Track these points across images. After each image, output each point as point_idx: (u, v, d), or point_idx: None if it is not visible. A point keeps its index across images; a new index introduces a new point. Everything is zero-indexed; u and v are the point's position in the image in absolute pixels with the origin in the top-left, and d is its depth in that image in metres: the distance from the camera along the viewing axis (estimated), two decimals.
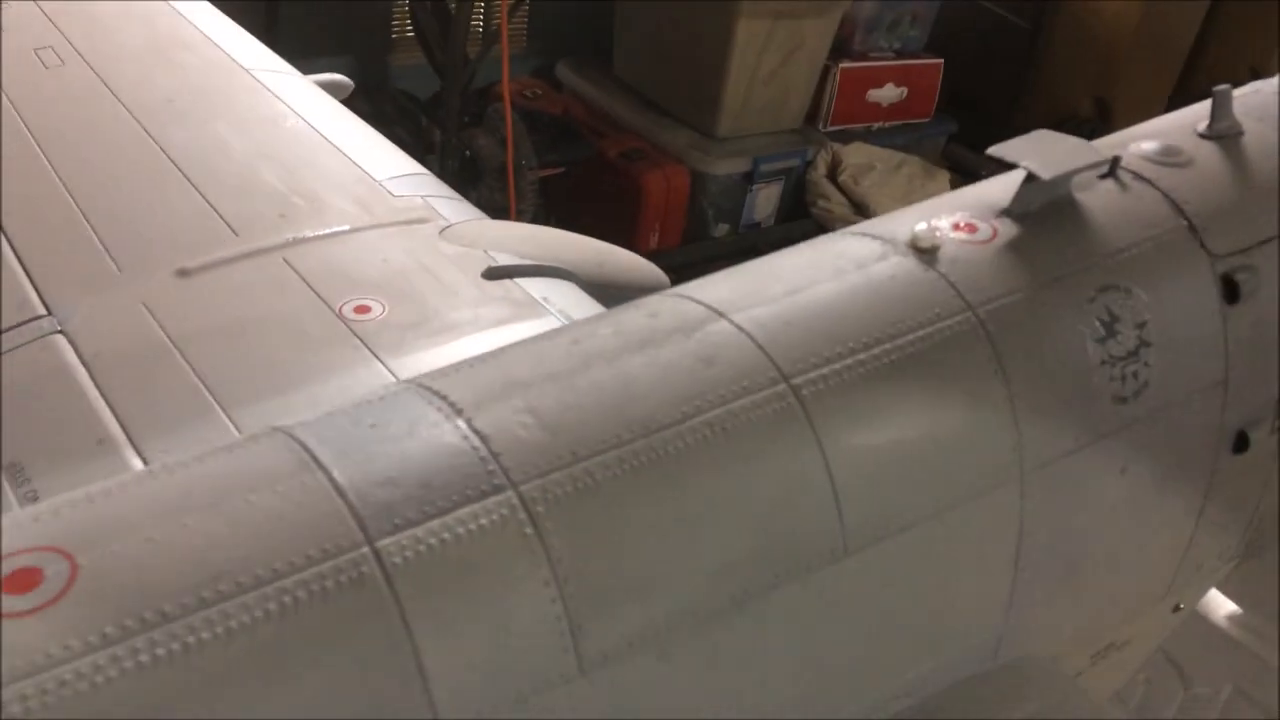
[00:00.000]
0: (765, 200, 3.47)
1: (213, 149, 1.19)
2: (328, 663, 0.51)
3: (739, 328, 0.66)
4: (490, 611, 0.54)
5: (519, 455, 0.57)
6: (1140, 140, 0.86)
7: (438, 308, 1.01)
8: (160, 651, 0.48)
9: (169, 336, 0.96)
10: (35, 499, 0.83)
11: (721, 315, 0.67)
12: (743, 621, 0.61)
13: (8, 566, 0.50)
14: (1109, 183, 0.81)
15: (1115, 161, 0.81)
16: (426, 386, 0.62)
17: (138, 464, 0.86)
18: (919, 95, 3.52)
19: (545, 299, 1.06)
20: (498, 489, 0.56)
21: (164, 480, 0.56)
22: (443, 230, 1.13)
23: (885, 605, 0.67)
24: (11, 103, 1.23)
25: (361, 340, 0.97)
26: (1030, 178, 0.76)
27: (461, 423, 0.59)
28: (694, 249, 3.28)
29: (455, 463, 0.57)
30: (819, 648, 0.64)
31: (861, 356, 0.66)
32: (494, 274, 1.07)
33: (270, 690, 0.49)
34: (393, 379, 0.93)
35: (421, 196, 1.19)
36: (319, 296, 1.01)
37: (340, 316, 0.99)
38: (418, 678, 0.52)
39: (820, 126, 3.50)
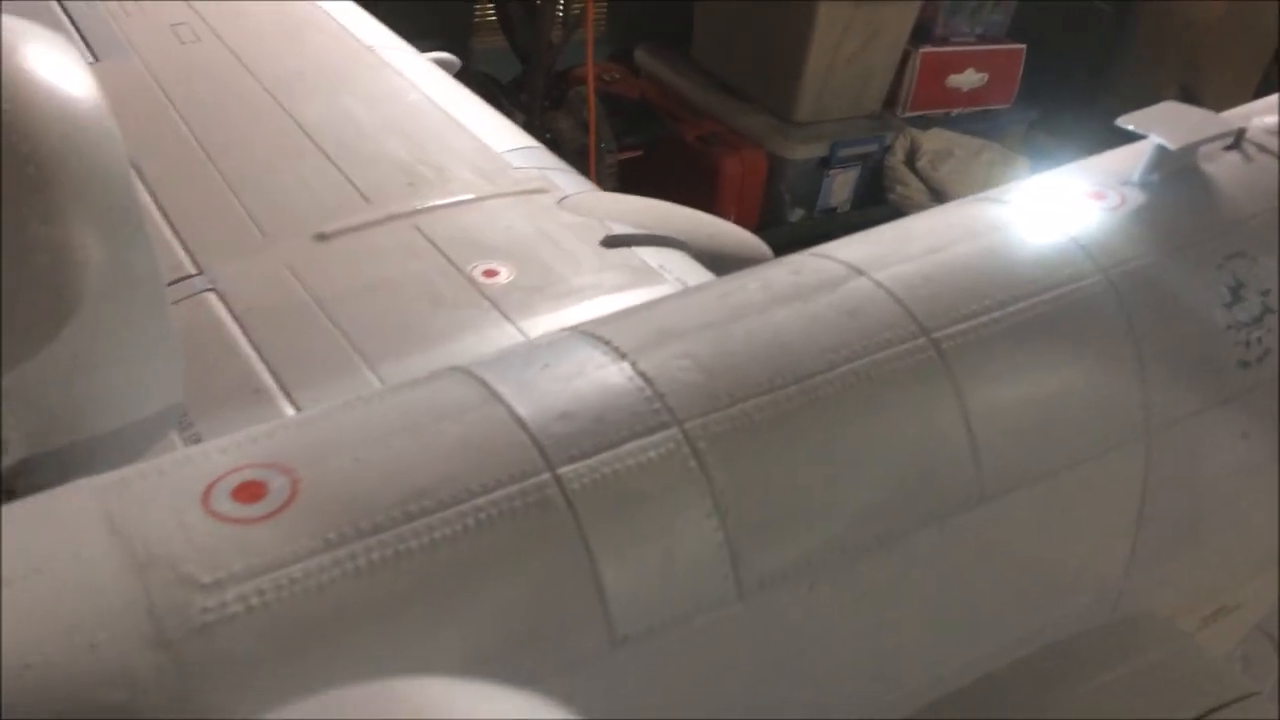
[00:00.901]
0: (841, 185, 3.48)
1: (342, 121, 1.25)
2: (518, 575, 0.55)
3: (879, 284, 0.69)
4: (659, 537, 0.58)
5: (681, 396, 0.62)
6: (1262, 115, 0.88)
7: (561, 273, 1.06)
8: (375, 557, 0.53)
9: (312, 296, 1.02)
10: (198, 440, 0.90)
11: (861, 273, 0.70)
12: (885, 559, 0.64)
13: (235, 479, 0.55)
14: (1233, 154, 0.83)
15: (1240, 133, 0.83)
16: (590, 333, 0.66)
17: (291, 411, 0.92)
18: (1000, 81, 3.49)
19: (662, 267, 1.10)
20: (664, 425, 0.60)
21: (363, 409, 0.61)
22: (560, 200, 1.18)
23: (1015, 553, 0.70)
24: (154, 76, 1.30)
25: (492, 302, 1.02)
26: (1158, 148, 0.78)
27: (626, 365, 0.63)
28: (769, 234, 3.29)
29: (623, 401, 0.61)
30: (953, 590, 0.68)
31: (997, 314, 0.69)
32: (612, 242, 1.11)
33: (469, 597, 0.54)
34: (523, 338, 0.98)
35: (538, 169, 1.24)
36: (449, 260, 1.06)
37: (470, 279, 1.04)
38: (596, 593, 0.56)
39: (899, 112, 3.50)
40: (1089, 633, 0.76)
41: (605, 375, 0.62)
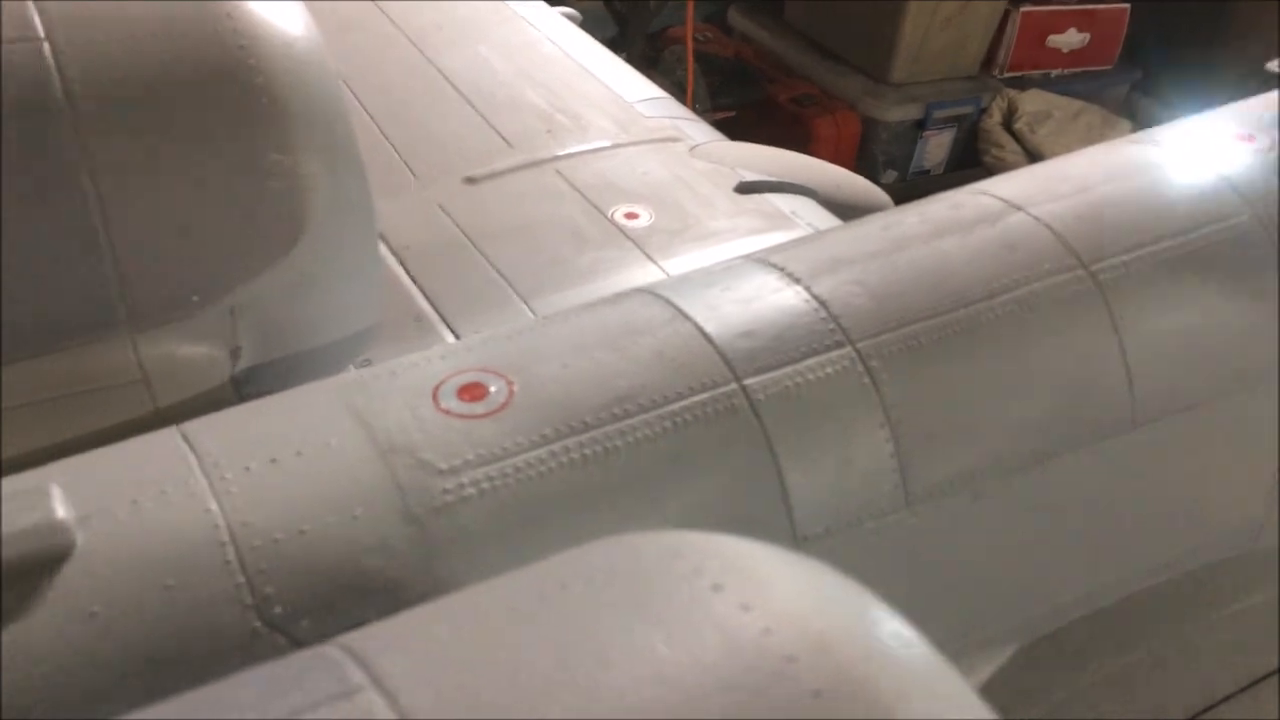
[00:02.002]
0: (936, 148, 3.45)
1: (481, 70, 1.31)
2: (711, 475, 0.61)
3: (1036, 219, 0.72)
4: (836, 446, 0.63)
5: (853, 318, 0.66)
6: None
7: (698, 216, 1.10)
8: (587, 452, 0.59)
9: (464, 234, 1.08)
10: (368, 364, 0.97)
11: (1019, 208, 0.73)
12: (1041, 477, 0.68)
13: (459, 381, 0.61)
14: None
15: None
16: (763, 261, 0.71)
17: (451, 338, 0.98)
18: (1102, 42, 3.42)
19: (793, 213, 1.14)
20: (838, 344, 0.65)
21: (563, 325, 0.66)
22: (692, 149, 1.22)
23: (1164, 478, 0.73)
24: None
25: (634, 242, 1.07)
26: None
27: (801, 289, 0.67)
28: None
29: (800, 321, 0.66)
30: (1104, 511, 0.71)
31: (1152, 249, 0.72)
32: (745, 188, 1.15)
33: (667, 492, 0.60)
34: (666, 276, 1.03)
35: (668, 118, 1.29)
36: (591, 203, 1.12)
37: (612, 221, 1.09)
38: (781, 495, 0.61)
39: (996, 73, 3.44)
40: (1230, 561, 0.79)
41: (782, 298, 0.67)
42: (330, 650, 0.35)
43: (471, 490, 0.56)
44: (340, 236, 0.71)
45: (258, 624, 0.52)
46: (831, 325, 0.65)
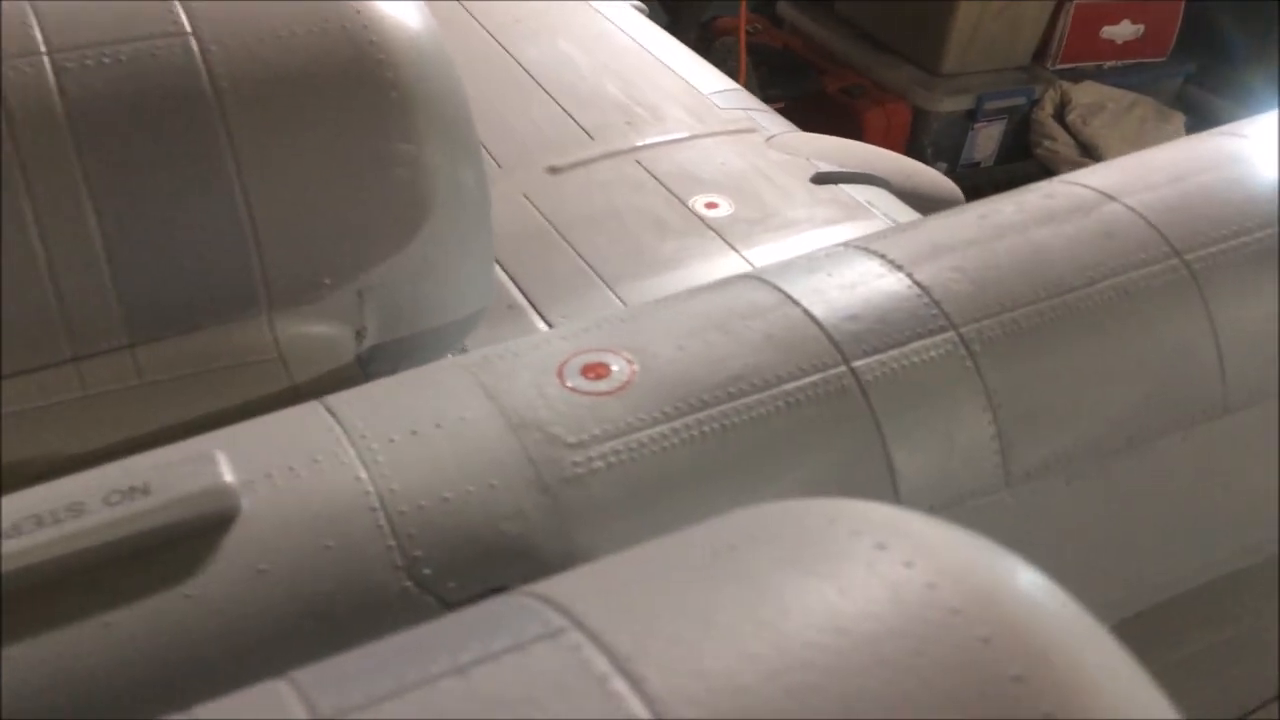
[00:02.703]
0: (986, 139, 3.44)
1: (560, 63, 1.34)
2: (823, 452, 0.64)
3: (1130, 208, 0.74)
4: (941, 426, 0.66)
5: (955, 303, 0.68)
6: None
7: (777, 206, 1.13)
8: (706, 429, 0.62)
9: (549, 222, 1.12)
10: (463, 351, 1.00)
11: (1113, 198, 0.75)
12: (1135, 461, 0.70)
13: (581, 360, 0.64)
14: None
15: None
16: (864, 248, 0.73)
17: (542, 326, 1.02)
18: (1157, 33, 3.39)
19: (870, 203, 1.16)
20: (941, 329, 0.67)
21: (673, 308, 0.69)
22: (768, 139, 1.25)
23: (1252, 463, 0.75)
24: None
25: (716, 232, 1.10)
26: None
27: (903, 275, 0.70)
28: None
29: (903, 306, 0.68)
30: (1194, 495, 0.73)
31: (1245, 239, 0.74)
32: (821, 179, 1.18)
33: (781, 468, 0.63)
34: (749, 266, 1.05)
35: (741, 109, 1.31)
36: (672, 193, 1.15)
37: (693, 211, 1.12)
38: (888, 472, 0.64)
39: (1049, 64, 3.43)
40: None
41: (885, 284, 0.70)
42: (523, 599, 0.38)
43: (599, 463, 0.60)
44: (459, 222, 0.74)
45: (408, 584, 0.55)
46: (934, 310, 0.68)
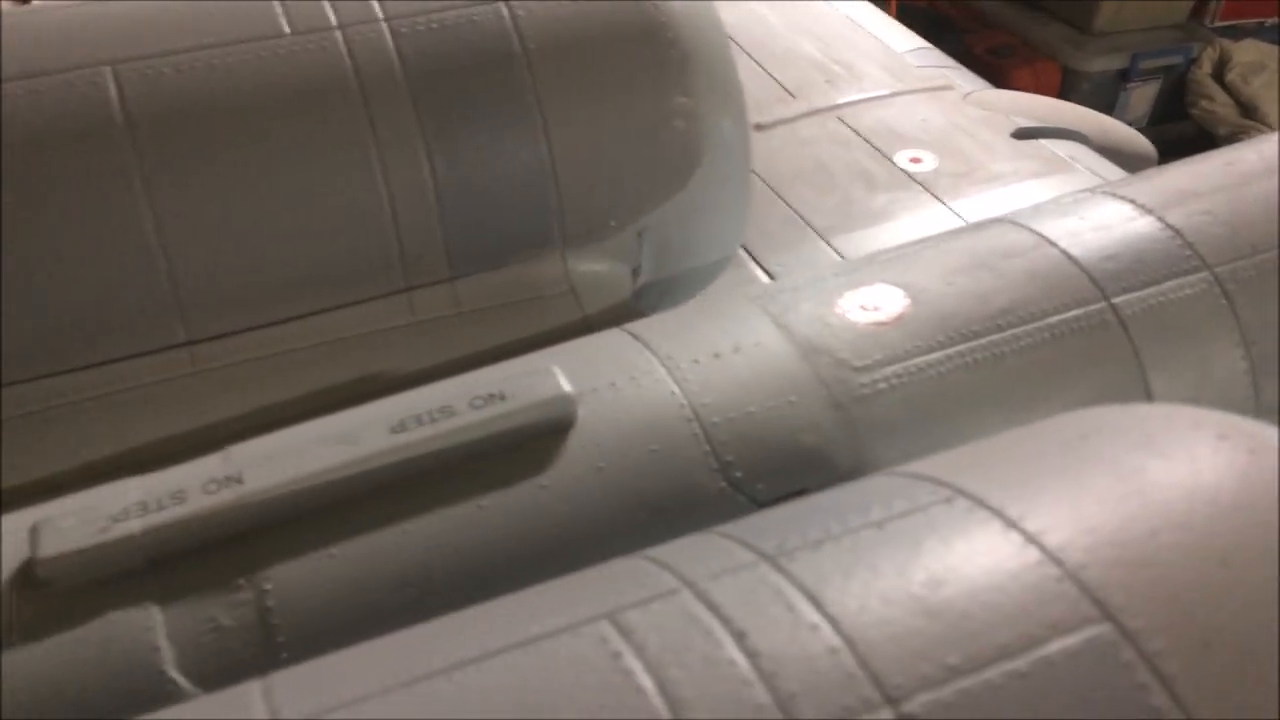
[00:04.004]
0: (1139, 100, 3.35)
1: (756, 24, 1.39)
2: (1084, 382, 0.69)
3: None
4: (1197, 361, 0.70)
5: (1208, 245, 0.72)
6: None
7: (981, 160, 1.17)
8: (978, 357, 0.67)
9: (760, 177, 1.18)
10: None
11: None
12: None
13: (859, 294, 0.71)
14: None
15: None
16: (1111, 193, 0.78)
17: (761, 275, 1.08)
18: None
19: (1071, 157, 1.18)
20: (1195, 269, 0.71)
21: (934, 249, 0.75)
22: (966, 96, 1.28)
23: None
24: None
25: (922, 185, 1.14)
26: None
27: (1153, 219, 0.74)
28: None
29: (1157, 247, 0.72)
30: None
31: None
32: (1022, 134, 1.21)
33: (1048, 395, 0.68)
34: (957, 218, 1.10)
35: (935, 67, 1.34)
36: (876, 148, 1.19)
37: (898, 165, 1.17)
38: (1146, 400, 0.69)
39: (1208, 21, 3.31)
40: None
41: (1137, 226, 0.74)
42: (902, 478, 0.45)
43: (884, 385, 0.66)
44: (726, 170, 0.81)
45: (723, 484, 0.63)
46: (1188, 251, 0.72)
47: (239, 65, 0.70)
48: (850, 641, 0.36)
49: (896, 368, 0.67)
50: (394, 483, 0.60)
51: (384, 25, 0.73)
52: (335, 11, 0.73)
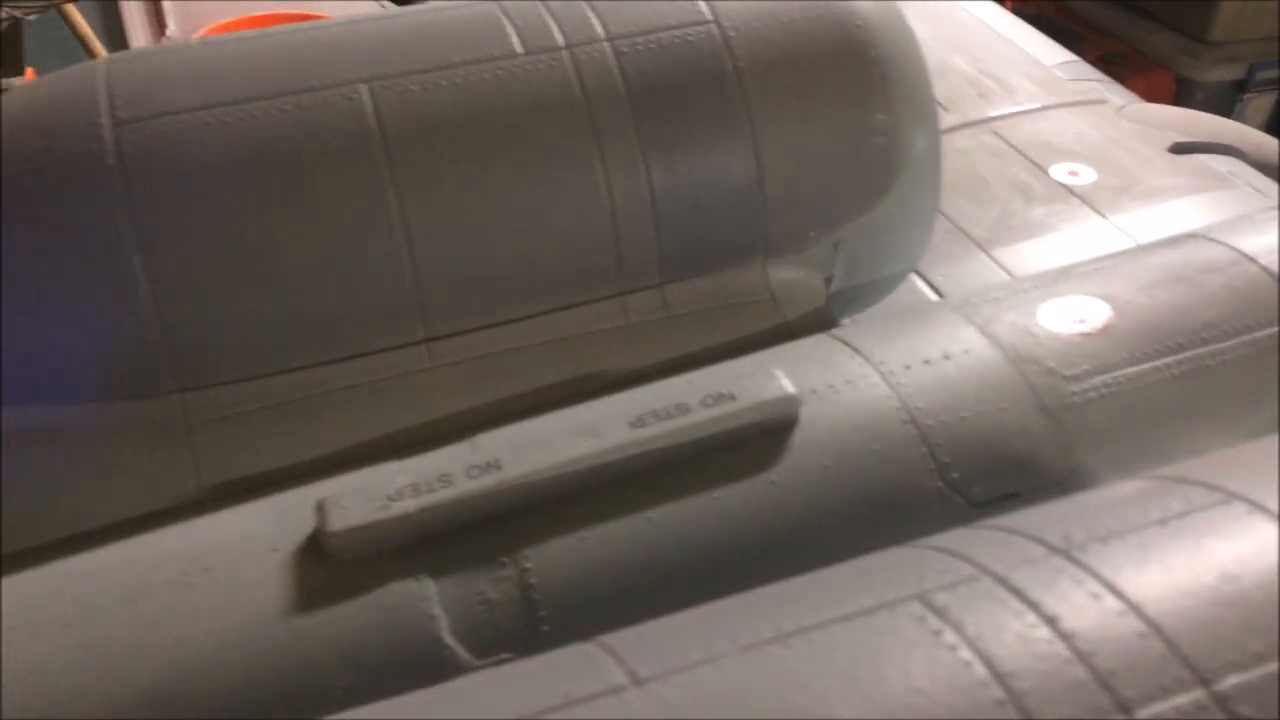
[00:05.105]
0: (1255, 111, 3.28)
1: None
2: None
3: None
4: None
5: None
6: None
7: (1140, 175, 1.18)
8: (1185, 369, 0.70)
9: None
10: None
11: None
12: None
13: (1062, 305, 0.73)
14: None
15: None
16: None
17: (924, 288, 1.10)
18: None
19: (1230, 173, 1.19)
20: None
21: (1130, 263, 0.78)
22: (1119, 110, 1.29)
23: None
24: None
25: (1081, 198, 1.16)
26: None
27: None
28: None
29: None
30: None
31: None
32: (1180, 149, 1.21)
33: (1251, 410, 0.70)
34: (1121, 233, 1.11)
35: (1085, 80, 1.36)
36: (1032, 161, 1.21)
37: (1055, 178, 1.19)
38: None
39: None
40: None
41: None
42: (1171, 479, 0.48)
43: (1093, 394, 0.69)
44: (919, 184, 0.84)
45: (940, 484, 0.66)
46: None
47: (478, 83, 0.76)
48: (1156, 626, 0.39)
49: (1105, 378, 0.69)
50: (635, 473, 0.65)
51: (607, 45, 0.78)
52: (562, 33, 0.78)
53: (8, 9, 1.66)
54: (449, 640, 0.60)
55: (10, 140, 0.71)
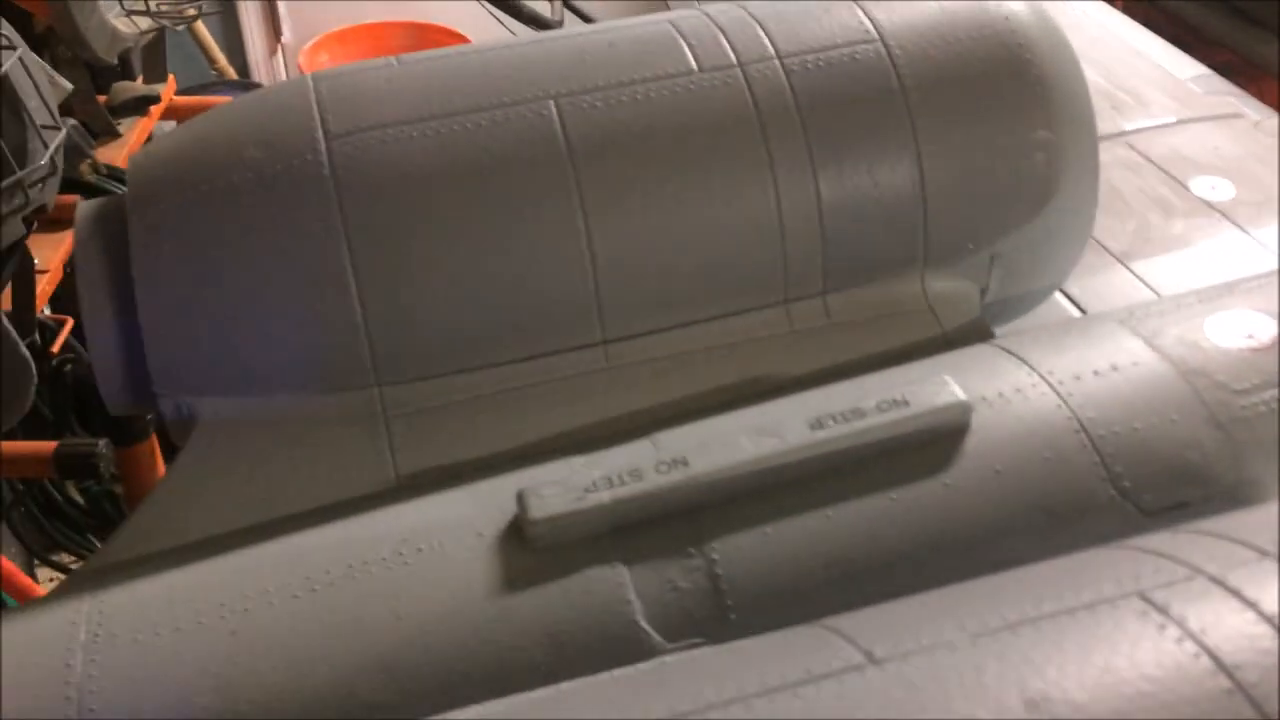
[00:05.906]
0: None
1: None
2: None
3: None
4: None
5: None
6: None
7: None
8: None
9: None
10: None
11: None
12: None
13: (1227, 319, 0.75)
14: None
15: None
16: None
17: (1062, 299, 1.11)
18: None
19: None
20: None
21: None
22: (1257, 123, 1.28)
23: None
24: None
25: (1222, 213, 1.16)
26: None
27: None
28: None
29: None
30: None
31: None
32: None
33: None
34: (1261, 247, 1.11)
35: (1219, 94, 1.35)
36: (1169, 175, 1.21)
37: (1194, 192, 1.19)
38: None
39: None
40: None
41: None
42: None
43: (1264, 408, 0.70)
44: (1076, 200, 0.86)
45: (1113, 492, 0.68)
46: None
47: (656, 99, 0.80)
48: None
49: (1274, 391, 0.71)
50: (815, 473, 0.68)
51: (777, 63, 0.82)
52: (734, 51, 0.82)
53: (156, 20, 1.76)
54: (644, 624, 0.64)
55: (232, 151, 0.77)
